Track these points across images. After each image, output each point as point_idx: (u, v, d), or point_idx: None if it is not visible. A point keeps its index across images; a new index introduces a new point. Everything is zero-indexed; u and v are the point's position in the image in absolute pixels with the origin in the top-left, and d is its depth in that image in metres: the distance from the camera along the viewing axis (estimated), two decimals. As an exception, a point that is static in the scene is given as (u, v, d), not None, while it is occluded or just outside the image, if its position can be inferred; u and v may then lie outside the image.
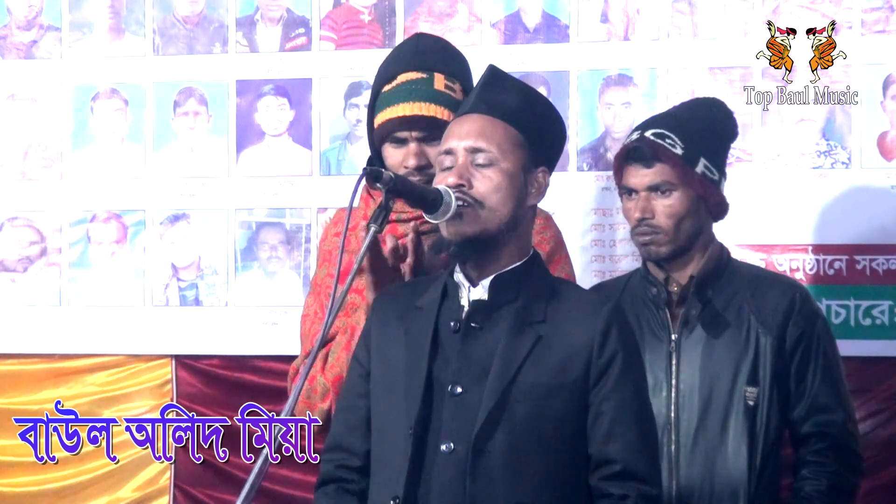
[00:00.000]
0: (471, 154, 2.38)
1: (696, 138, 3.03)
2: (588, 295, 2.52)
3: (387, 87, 2.77)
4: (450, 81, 2.75)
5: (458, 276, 2.42)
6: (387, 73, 2.79)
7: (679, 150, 3.01)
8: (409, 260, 2.61)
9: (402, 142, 2.73)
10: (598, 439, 2.33)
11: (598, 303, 2.41)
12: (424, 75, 2.74)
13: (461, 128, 2.41)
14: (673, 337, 3.03)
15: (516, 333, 2.35)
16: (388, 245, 2.60)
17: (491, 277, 2.39)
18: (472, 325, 2.38)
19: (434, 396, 2.35)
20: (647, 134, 3.04)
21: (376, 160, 2.80)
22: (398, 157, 2.72)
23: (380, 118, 2.76)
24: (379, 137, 2.78)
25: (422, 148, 2.71)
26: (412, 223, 2.66)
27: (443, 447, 2.32)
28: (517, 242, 2.41)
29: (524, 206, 2.41)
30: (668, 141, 3.02)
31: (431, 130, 2.69)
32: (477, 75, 2.58)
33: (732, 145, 3.18)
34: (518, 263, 2.40)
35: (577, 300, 2.42)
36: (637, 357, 2.42)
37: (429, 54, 2.78)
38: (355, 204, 2.45)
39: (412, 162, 2.69)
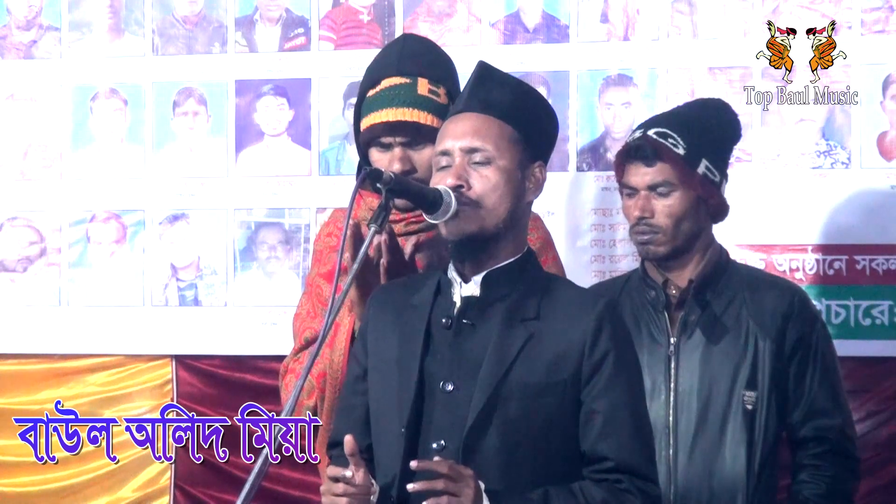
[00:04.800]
0: (467, 154, 2.37)
1: (699, 139, 3.02)
2: (581, 292, 2.50)
3: (371, 92, 2.77)
4: (433, 86, 2.75)
5: (452, 273, 2.42)
6: (371, 77, 2.80)
7: (681, 150, 3.00)
8: (383, 260, 2.60)
9: (387, 146, 2.74)
10: (591, 438, 2.32)
11: (592, 300, 2.39)
12: (408, 80, 2.75)
13: (456, 127, 2.41)
14: (672, 341, 3.02)
15: (507, 330, 2.34)
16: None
17: (483, 274, 2.38)
18: (464, 321, 2.37)
19: (426, 393, 2.35)
20: (650, 132, 3.03)
21: (363, 163, 2.80)
22: (383, 162, 2.72)
23: (364, 122, 2.77)
24: (364, 141, 2.78)
25: (406, 153, 2.72)
26: (387, 223, 2.66)
27: (434, 445, 2.32)
28: (514, 239, 2.41)
29: (522, 203, 2.41)
30: (670, 140, 3.01)
31: (415, 136, 2.71)
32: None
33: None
34: (511, 260, 2.40)
35: (571, 297, 2.41)
36: (631, 354, 2.40)
37: (413, 58, 2.78)
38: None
39: (397, 167, 2.68)
